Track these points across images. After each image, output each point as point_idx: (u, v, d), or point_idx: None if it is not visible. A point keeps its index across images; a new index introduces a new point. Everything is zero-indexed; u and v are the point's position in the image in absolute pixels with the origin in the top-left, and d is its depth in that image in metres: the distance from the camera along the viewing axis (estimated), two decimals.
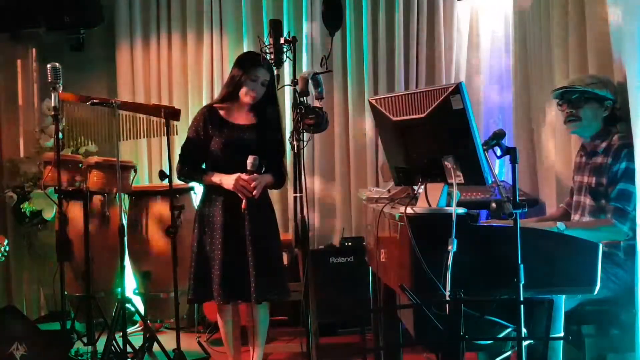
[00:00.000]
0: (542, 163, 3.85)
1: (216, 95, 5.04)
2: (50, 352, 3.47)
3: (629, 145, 2.70)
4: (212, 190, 3.49)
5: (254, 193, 3.37)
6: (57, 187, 3.73)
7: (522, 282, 2.23)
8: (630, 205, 2.68)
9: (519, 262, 2.23)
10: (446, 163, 2.38)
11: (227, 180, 3.40)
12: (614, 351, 2.74)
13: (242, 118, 3.51)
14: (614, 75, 2.95)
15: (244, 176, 3.37)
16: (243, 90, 3.43)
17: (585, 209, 2.92)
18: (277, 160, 3.56)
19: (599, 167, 2.85)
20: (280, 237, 3.67)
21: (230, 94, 3.49)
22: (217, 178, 3.44)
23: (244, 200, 3.35)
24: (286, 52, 2.95)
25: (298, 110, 2.81)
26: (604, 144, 2.87)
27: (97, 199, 4.41)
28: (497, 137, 2.37)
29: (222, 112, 3.52)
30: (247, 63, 3.45)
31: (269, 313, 3.60)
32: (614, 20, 2.83)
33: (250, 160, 3.35)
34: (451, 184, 2.39)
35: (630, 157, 2.68)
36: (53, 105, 3.61)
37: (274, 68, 2.99)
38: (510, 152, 2.33)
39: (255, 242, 3.40)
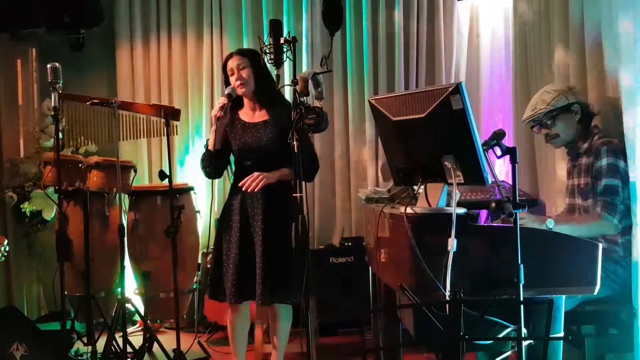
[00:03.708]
0: (542, 163, 3.86)
1: (217, 95, 5.09)
2: (50, 352, 3.47)
3: (608, 143, 2.85)
4: (232, 191, 3.49)
5: (254, 187, 3.31)
6: (57, 187, 3.73)
7: (522, 282, 2.23)
8: (617, 198, 2.78)
9: (519, 262, 2.23)
10: (446, 163, 2.38)
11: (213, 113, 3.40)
12: (613, 351, 2.75)
13: (257, 117, 3.47)
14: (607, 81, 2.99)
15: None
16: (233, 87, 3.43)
17: (580, 209, 2.97)
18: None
19: (584, 167, 2.93)
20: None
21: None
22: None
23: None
24: (286, 52, 2.95)
25: (298, 110, 2.81)
26: (585, 145, 2.97)
27: (97, 198, 4.41)
28: (497, 137, 2.37)
29: (241, 115, 3.50)
30: (222, 68, 3.50)
31: (291, 316, 3.52)
32: (607, 23, 2.86)
33: (228, 90, 3.38)
34: (451, 184, 2.39)
35: (611, 154, 2.81)
36: (53, 105, 3.61)
37: (274, 67, 2.98)
38: (510, 152, 2.34)
39: (265, 243, 3.35)
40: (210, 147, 3.42)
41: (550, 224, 2.60)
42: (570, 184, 3.06)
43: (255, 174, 3.33)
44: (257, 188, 3.32)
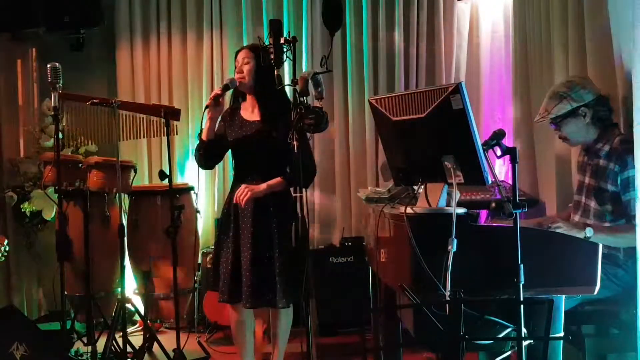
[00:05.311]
0: (542, 163, 3.86)
1: None
2: (50, 352, 3.47)
3: (632, 151, 2.71)
4: (231, 190, 3.51)
5: (241, 202, 3.34)
6: (57, 187, 3.73)
7: (522, 282, 2.23)
8: None
9: (519, 262, 2.23)
10: (446, 163, 2.38)
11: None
12: (614, 351, 2.75)
13: (254, 115, 3.48)
14: (616, 79, 2.97)
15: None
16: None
17: (590, 211, 2.91)
18: (287, 156, 3.26)
19: (601, 170, 2.85)
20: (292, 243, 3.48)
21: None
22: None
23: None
24: (286, 52, 2.95)
25: (298, 110, 2.80)
26: (606, 147, 2.87)
27: (97, 198, 4.40)
28: (497, 137, 2.37)
29: (242, 110, 3.52)
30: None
31: (290, 316, 3.53)
32: (614, 20, 2.85)
33: (226, 80, 3.41)
34: (451, 184, 2.39)
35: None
36: (53, 105, 3.61)
37: (276, 66, 2.97)
38: (510, 152, 2.33)
39: (254, 247, 3.35)
40: (204, 137, 3.43)
41: (589, 232, 2.57)
42: (580, 179, 3.00)
43: (243, 186, 3.36)
44: (243, 203, 3.34)
